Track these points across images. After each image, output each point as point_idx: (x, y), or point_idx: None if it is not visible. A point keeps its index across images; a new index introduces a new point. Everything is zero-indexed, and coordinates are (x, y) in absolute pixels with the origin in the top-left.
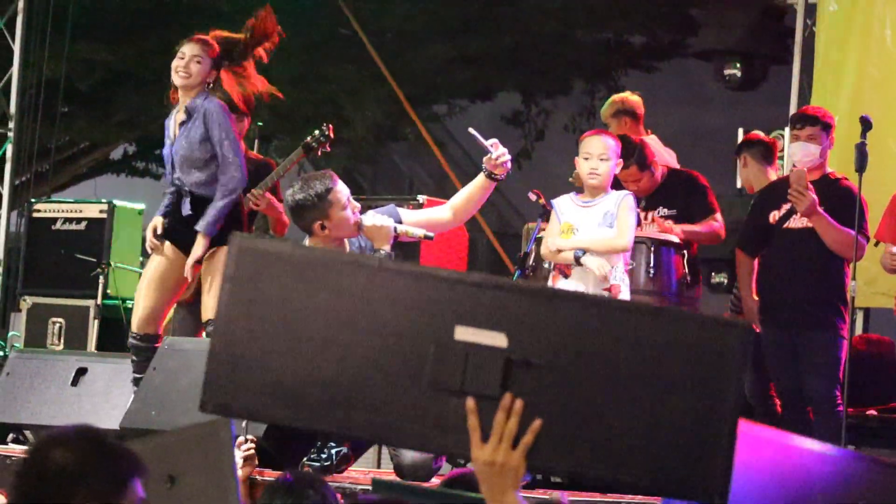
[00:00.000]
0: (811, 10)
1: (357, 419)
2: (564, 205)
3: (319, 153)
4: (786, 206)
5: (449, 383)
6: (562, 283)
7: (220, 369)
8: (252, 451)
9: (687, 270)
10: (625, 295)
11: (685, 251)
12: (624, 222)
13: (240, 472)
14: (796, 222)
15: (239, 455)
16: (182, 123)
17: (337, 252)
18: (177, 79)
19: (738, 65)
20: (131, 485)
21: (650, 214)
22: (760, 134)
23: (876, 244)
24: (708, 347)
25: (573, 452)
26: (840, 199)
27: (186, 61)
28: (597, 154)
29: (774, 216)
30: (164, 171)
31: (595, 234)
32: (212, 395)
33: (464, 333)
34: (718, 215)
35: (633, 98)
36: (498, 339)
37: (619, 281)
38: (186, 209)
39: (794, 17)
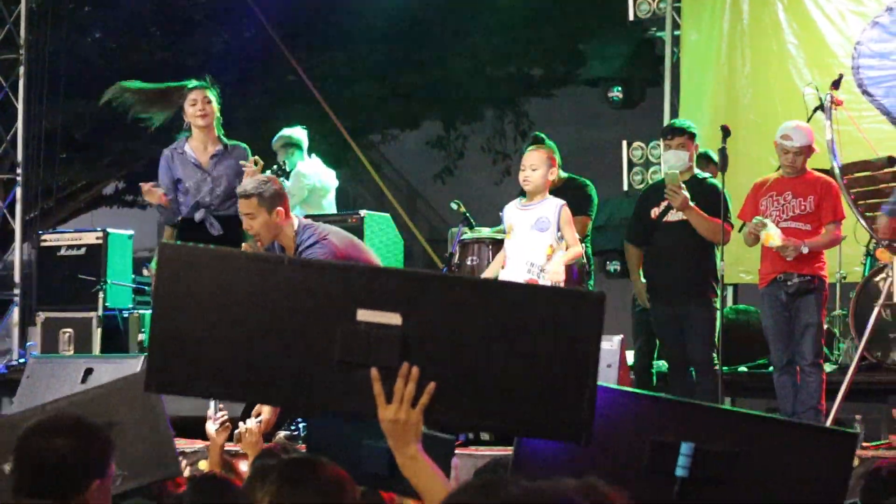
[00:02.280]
0: (677, 41)
1: (279, 392)
2: (509, 210)
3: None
4: (664, 203)
5: (355, 357)
6: (501, 273)
7: (159, 356)
8: (226, 419)
9: (585, 261)
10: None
11: (584, 245)
12: (571, 235)
13: (218, 439)
14: (673, 216)
15: (215, 425)
16: (214, 156)
17: (252, 252)
18: (198, 121)
19: (620, 88)
20: (112, 463)
21: None
22: None
23: (740, 229)
24: (569, 315)
25: (463, 408)
26: (707, 195)
27: (202, 105)
28: (528, 165)
29: (655, 212)
30: (171, 190)
31: (565, 255)
32: (153, 377)
33: (364, 315)
34: (591, 214)
35: (298, 132)
36: (393, 319)
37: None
38: (217, 230)
39: (664, 47)
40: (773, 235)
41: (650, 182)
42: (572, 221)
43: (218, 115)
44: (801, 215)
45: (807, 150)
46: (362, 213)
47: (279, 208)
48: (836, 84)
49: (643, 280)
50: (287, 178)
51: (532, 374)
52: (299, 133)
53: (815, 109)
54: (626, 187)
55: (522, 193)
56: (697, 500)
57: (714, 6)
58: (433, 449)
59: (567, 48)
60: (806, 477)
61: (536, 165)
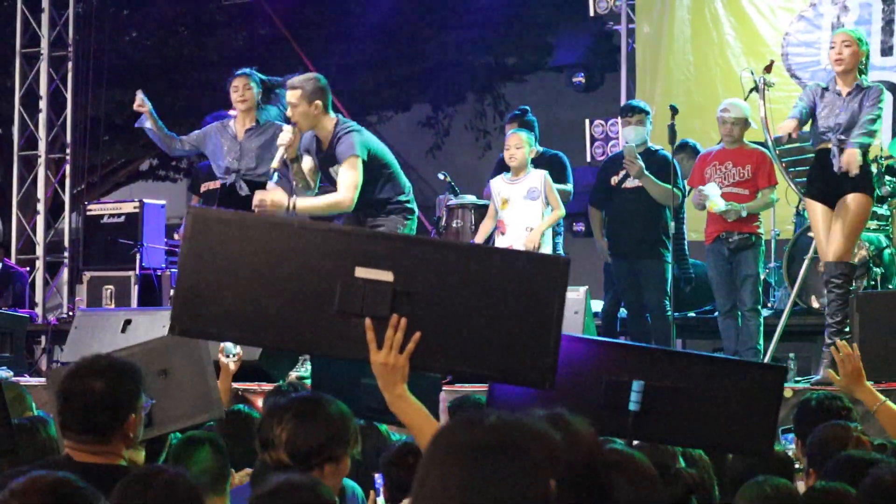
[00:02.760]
0: (631, 33)
1: (287, 337)
2: (497, 184)
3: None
4: (622, 172)
5: (352, 308)
6: (500, 239)
7: (183, 303)
8: (239, 353)
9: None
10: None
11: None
12: (554, 198)
13: (232, 366)
14: (630, 183)
15: (229, 358)
16: (249, 130)
17: (268, 216)
18: (239, 105)
19: (583, 74)
20: (143, 397)
21: None
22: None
23: (687, 193)
24: (538, 275)
25: (444, 355)
26: (660, 165)
27: (241, 91)
28: (513, 145)
29: (614, 180)
30: (209, 162)
31: (546, 221)
32: (177, 322)
33: (361, 272)
34: (570, 184)
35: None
36: (386, 276)
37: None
38: (245, 191)
39: (620, 38)
40: (715, 202)
41: (610, 154)
42: (553, 187)
43: (257, 99)
44: (739, 182)
45: (742, 122)
46: None
47: (318, 101)
48: (767, 69)
49: (605, 238)
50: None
51: (505, 326)
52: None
53: (751, 90)
54: (589, 159)
55: (502, 168)
56: (649, 431)
57: (664, 3)
58: (422, 385)
59: (536, 40)
60: (743, 406)
61: (520, 145)
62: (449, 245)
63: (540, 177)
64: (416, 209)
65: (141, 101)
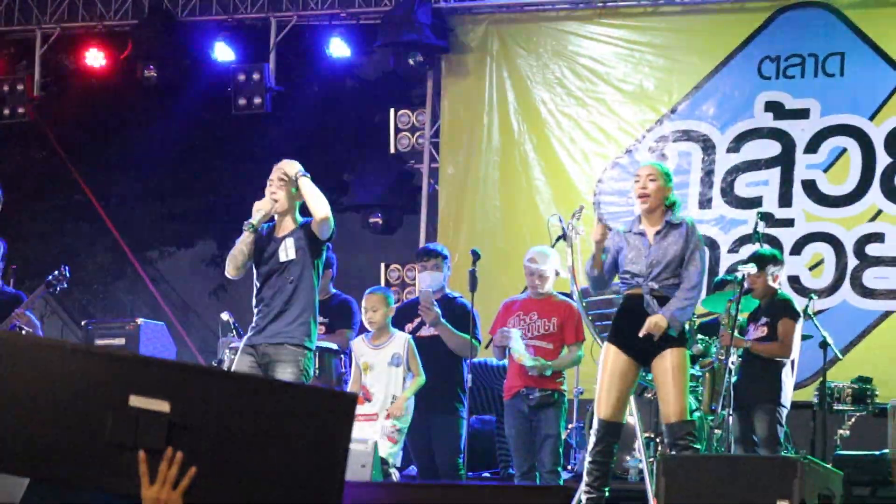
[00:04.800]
0: (434, 173)
1: (55, 469)
2: (359, 347)
3: (58, 289)
4: (417, 320)
5: (125, 439)
6: (365, 406)
7: None
8: None
9: (343, 370)
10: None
11: (343, 356)
12: (416, 366)
13: None
14: (426, 331)
15: None
16: None
17: (41, 338)
18: None
19: (380, 215)
20: None
21: None
22: None
23: (487, 345)
24: (324, 411)
25: (222, 492)
26: (457, 313)
27: None
28: (370, 308)
29: (409, 328)
30: None
31: (409, 390)
32: None
33: (136, 401)
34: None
35: None
36: (162, 406)
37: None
38: None
39: (422, 178)
40: (524, 355)
41: (405, 300)
42: (416, 352)
43: None
44: (545, 335)
45: (550, 273)
46: (139, 320)
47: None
48: (576, 215)
49: None
50: (67, 284)
51: (289, 464)
52: None
53: (558, 238)
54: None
55: None
56: None
57: (471, 144)
58: None
59: (333, 177)
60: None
61: (376, 307)
62: (231, 376)
63: (403, 341)
64: None
65: None
